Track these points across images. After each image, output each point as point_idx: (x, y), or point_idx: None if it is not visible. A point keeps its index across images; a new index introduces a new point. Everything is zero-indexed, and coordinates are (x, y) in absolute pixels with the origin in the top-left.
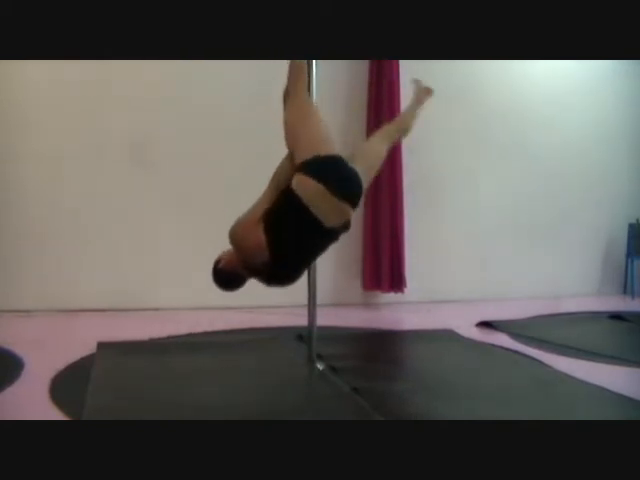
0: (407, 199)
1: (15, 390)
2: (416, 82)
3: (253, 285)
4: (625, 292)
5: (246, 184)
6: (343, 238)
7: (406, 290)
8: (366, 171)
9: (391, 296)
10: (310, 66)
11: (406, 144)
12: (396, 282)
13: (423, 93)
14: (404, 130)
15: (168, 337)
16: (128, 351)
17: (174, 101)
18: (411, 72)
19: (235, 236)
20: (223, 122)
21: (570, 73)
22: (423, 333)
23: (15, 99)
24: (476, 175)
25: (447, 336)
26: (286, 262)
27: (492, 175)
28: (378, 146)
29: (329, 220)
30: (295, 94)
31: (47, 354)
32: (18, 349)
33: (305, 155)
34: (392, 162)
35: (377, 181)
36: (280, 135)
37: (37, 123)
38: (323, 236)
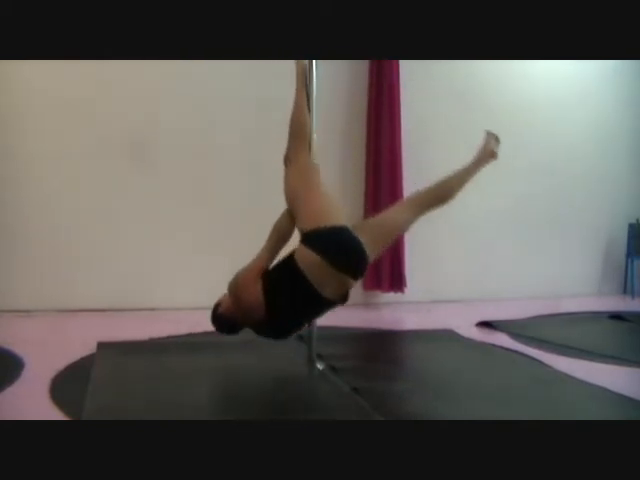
0: None
1: (15, 390)
2: (489, 136)
3: None
4: (625, 292)
5: (246, 184)
6: None
7: (406, 290)
8: (379, 241)
9: (391, 296)
10: (311, 87)
11: (406, 143)
12: (396, 282)
13: (487, 155)
14: (445, 198)
15: (168, 337)
16: (128, 351)
17: (174, 101)
18: (411, 72)
19: (234, 289)
20: (223, 123)
21: (570, 74)
22: (423, 333)
23: (14, 99)
24: (476, 175)
25: (447, 336)
26: (281, 323)
27: (492, 175)
28: (401, 215)
29: (327, 291)
30: (296, 159)
31: (47, 354)
32: (18, 349)
33: (308, 224)
34: (392, 162)
35: (377, 181)
36: (281, 137)
37: (36, 123)
38: (320, 305)
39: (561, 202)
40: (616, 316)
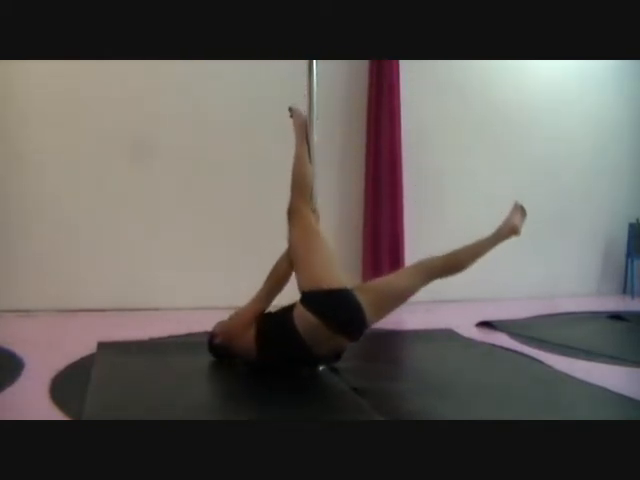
0: (407, 198)
1: (15, 390)
2: (516, 209)
3: (253, 284)
4: (625, 292)
5: (246, 185)
6: (343, 238)
7: None
8: (381, 306)
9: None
10: (311, 139)
11: (406, 143)
12: None
13: (509, 230)
14: (455, 270)
15: (168, 337)
16: (128, 351)
17: (174, 101)
18: (411, 72)
19: (228, 332)
20: (224, 123)
21: (571, 73)
22: (423, 333)
23: (14, 98)
24: (476, 174)
25: (447, 336)
26: (270, 366)
27: (492, 174)
28: (406, 282)
29: (321, 351)
30: (299, 214)
31: (47, 354)
32: (18, 349)
33: (308, 285)
34: (392, 162)
35: (377, 181)
36: (281, 137)
37: (37, 121)
38: (312, 361)
39: (561, 202)
40: (615, 316)
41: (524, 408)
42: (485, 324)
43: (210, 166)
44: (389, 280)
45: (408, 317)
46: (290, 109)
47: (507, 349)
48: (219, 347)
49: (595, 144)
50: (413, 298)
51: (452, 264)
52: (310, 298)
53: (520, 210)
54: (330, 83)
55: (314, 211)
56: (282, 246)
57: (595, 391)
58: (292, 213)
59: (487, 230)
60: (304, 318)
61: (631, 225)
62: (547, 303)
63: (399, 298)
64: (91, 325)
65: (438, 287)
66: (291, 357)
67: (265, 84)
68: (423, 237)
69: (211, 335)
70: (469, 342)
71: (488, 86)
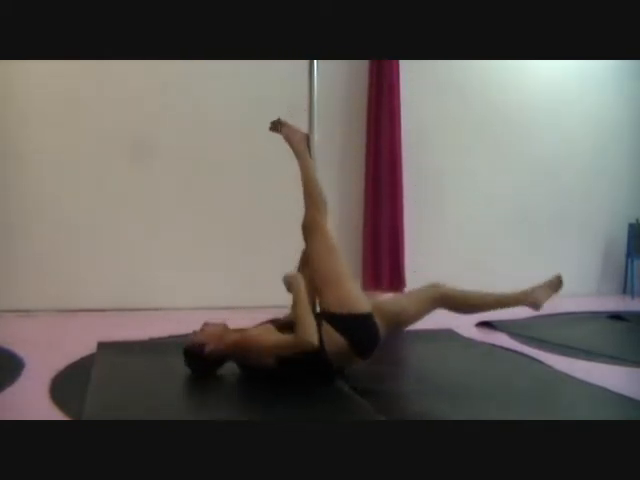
0: (407, 198)
1: (15, 390)
2: (554, 281)
3: (252, 284)
4: (625, 292)
5: (246, 184)
6: (343, 238)
7: (406, 290)
8: (391, 326)
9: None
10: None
11: (406, 143)
12: (395, 282)
13: (531, 302)
14: (468, 311)
15: (168, 337)
16: (128, 351)
17: (174, 101)
18: (411, 72)
19: (248, 351)
20: (224, 123)
21: (571, 73)
22: (423, 333)
23: (15, 99)
24: (476, 174)
25: (447, 336)
26: (287, 376)
27: (492, 174)
28: (416, 307)
29: (336, 366)
30: (319, 229)
31: (47, 354)
32: (18, 349)
33: (337, 304)
34: (392, 162)
35: (377, 181)
36: (281, 137)
37: (37, 121)
38: (328, 373)
39: (561, 202)
40: (615, 316)
41: (524, 408)
42: (485, 324)
43: (210, 166)
44: (403, 305)
45: None
46: (277, 122)
47: (507, 349)
48: (213, 354)
49: (595, 144)
50: None
51: (466, 305)
52: (341, 321)
53: (555, 285)
54: (330, 83)
55: None
56: (281, 246)
57: (595, 391)
58: (309, 227)
59: (487, 230)
60: (332, 338)
61: (631, 225)
62: (547, 303)
63: (406, 323)
64: (91, 325)
65: None
66: (309, 370)
67: (265, 84)
68: (423, 237)
69: (196, 345)
70: (469, 342)
71: (488, 86)
